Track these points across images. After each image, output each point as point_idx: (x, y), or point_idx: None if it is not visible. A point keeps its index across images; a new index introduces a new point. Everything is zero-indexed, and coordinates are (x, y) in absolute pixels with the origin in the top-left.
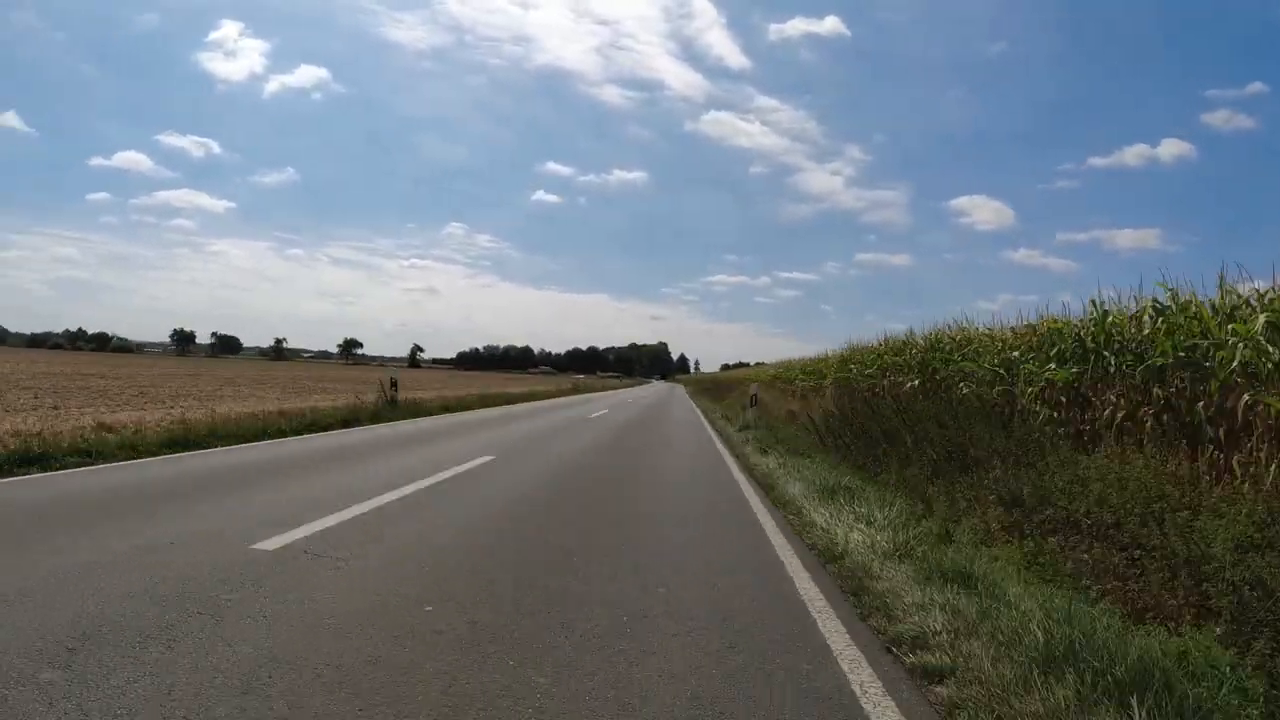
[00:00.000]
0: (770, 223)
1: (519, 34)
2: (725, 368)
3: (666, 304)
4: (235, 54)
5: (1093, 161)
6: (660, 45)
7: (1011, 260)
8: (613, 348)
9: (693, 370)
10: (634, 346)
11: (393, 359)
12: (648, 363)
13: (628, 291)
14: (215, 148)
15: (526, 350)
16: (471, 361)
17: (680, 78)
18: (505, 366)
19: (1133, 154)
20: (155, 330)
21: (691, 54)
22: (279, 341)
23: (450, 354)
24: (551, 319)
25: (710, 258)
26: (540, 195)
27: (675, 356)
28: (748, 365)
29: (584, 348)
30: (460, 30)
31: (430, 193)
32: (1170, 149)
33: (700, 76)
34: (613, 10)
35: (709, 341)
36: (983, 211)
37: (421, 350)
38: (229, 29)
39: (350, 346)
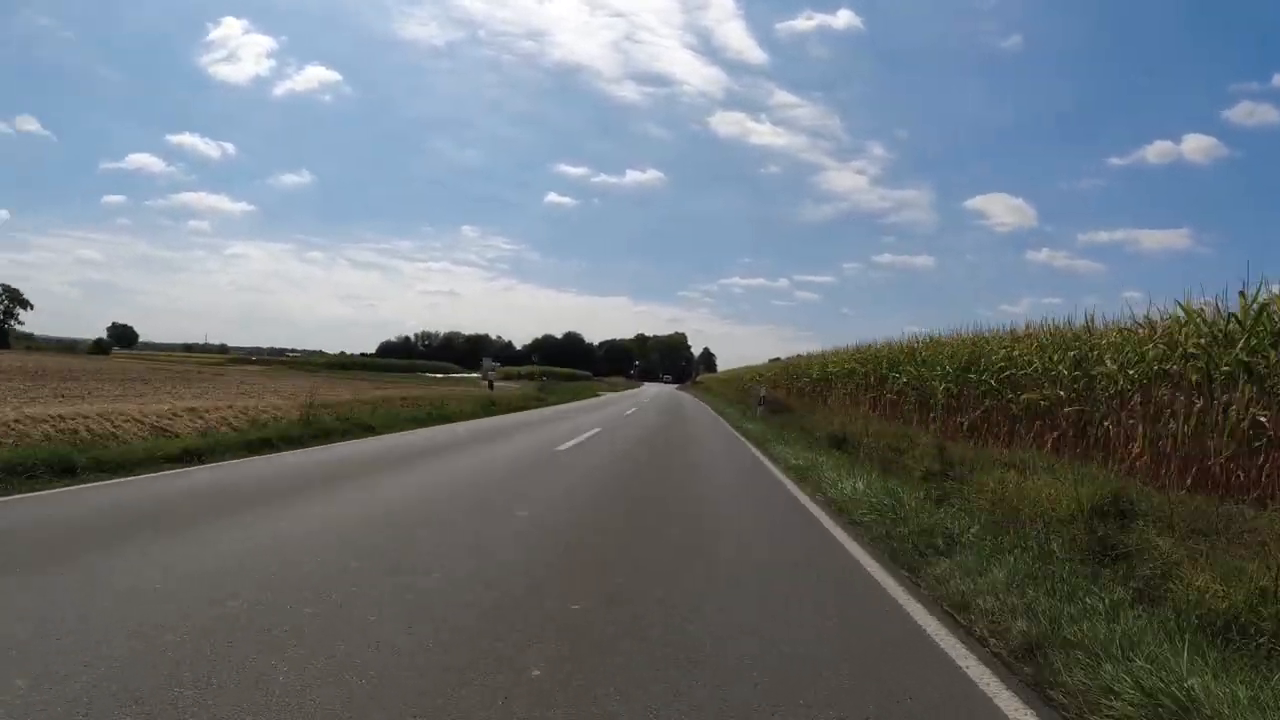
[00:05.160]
0: (789, 223)
1: (533, 28)
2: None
3: (685, 306)
4: (236, 54)
5: (1113, 160)
6: (677, 38)
7: (1034, 261)
8: (613, 340)
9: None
10: (640, 339)
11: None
12: (660, 359)
13: (646, 294)
14: (231, 149)
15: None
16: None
17: (698, 72)
18: (446, 357)
19: (1155, 151)
20: (178, 333)
21: (710, 48)
22: (120, 329)
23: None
24: (573, 321)
25: (728, 259)
26: (553, 197)
27: (699, 353)
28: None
29: (559, 335)
30: (473, 25)
31: (444, 194)
32: (1194, 145)
33: (718, 70)
34: (628, 2)
35: (730, 344)
36: (1004, 211)
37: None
38: (233, 26)
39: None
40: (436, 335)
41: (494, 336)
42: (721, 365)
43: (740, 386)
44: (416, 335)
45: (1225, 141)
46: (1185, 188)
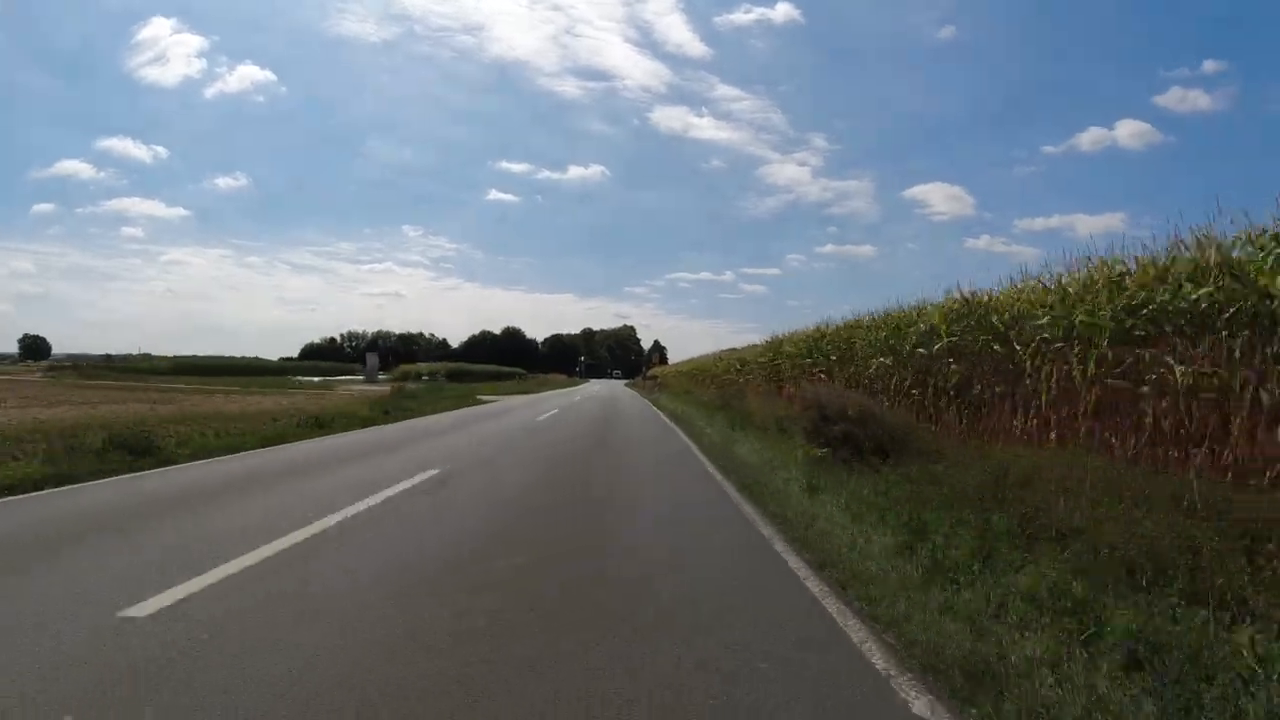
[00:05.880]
0: (735, 217)
1: (470, 23)
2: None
3: (632, 302)
4: (165, 55)
5: (1047, 148)
6: (618, 32)
7: (975, 248)
8: (558, 335)
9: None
10: (587, 333)
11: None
12: (609, 355)
13: (593, 290)
14: (163, 153)
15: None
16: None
17: (639, 66)
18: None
19: (1089, 138)
20: (114, 344)
21: (650, 41)
22: (32, 341)
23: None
24: (521, 319)
25: (674, 254)
26: (495, 195)
27: (649, 347)
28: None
29: (497, 331)
30: (410, 20)
31: (384, 194)
32: (1127, 130)
33: (660, 64)
34: None
35: (679, 339)
36: (943, 200)
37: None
38: (161, 26)
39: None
40: (364, 336)
41: (428, 335)
42: (673, 358)
43: (716, 382)
44: (343, 336)
45: (1158, 127)
46: (1120, 173)
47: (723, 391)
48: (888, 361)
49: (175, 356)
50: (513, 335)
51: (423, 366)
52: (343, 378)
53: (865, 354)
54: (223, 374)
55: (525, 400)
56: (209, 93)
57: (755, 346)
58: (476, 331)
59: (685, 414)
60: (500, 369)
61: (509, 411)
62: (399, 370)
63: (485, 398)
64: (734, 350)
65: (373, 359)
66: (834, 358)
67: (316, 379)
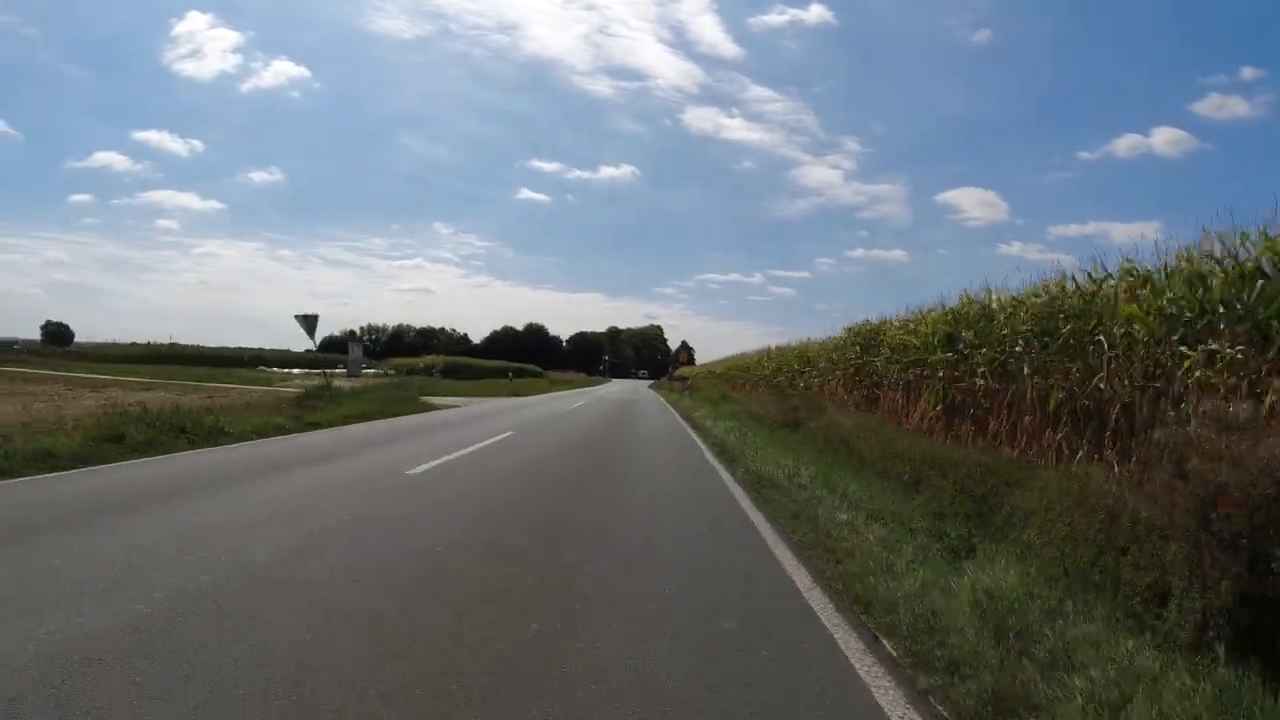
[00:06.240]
0: (765, 218)
1: (505, 21)
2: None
3: (661, 302)
4: (202, 50)
5: (1082, 154)
6: (650, 32)
7: (1007, 255)
8: (582, 332)
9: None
10: (613, 331)
11: None
12: (635, 354)
13: (621, 290)
14: (199, 146)
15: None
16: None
17: (672, 66)
18: (396, 352)
19: (1124, 145)
20: (144, 333)
21: (683, 41)
22: (55, 328)
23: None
24: (549, 318)
25: (703, 255)
26: (526, 193)
27: (676, 346)
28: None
29: (519, 327)
30: (444, 18)
31: (416, 191)
32: (1164, 138)
33: (692, 65)
34: None
35: (706, 340)
36: (975, 205)
37: None
38: (198, 21)
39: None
40: (384, 329)
41: (449, 329)
42: (700, 359)
43: (765, 385)
44: (362, 329)
45: (1195, 134)
46: (1155, 180)
47: (783, 401)
48: None
49: (149, 344)
50: (535, 332)
51: (417, 360)
52: (340, 371)
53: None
54: (185, 363)
55: (494, 408)
56: (244, 88)
57: (832, 338)
58: (510, 330)
59: (738, 442)
60: (508, 364)
61: (427, 433)
62: (389, 363)
63: (443, 400)
64: (787, 346)
65: (355, 350)
66: (1019, 348)
67: (295, 371)
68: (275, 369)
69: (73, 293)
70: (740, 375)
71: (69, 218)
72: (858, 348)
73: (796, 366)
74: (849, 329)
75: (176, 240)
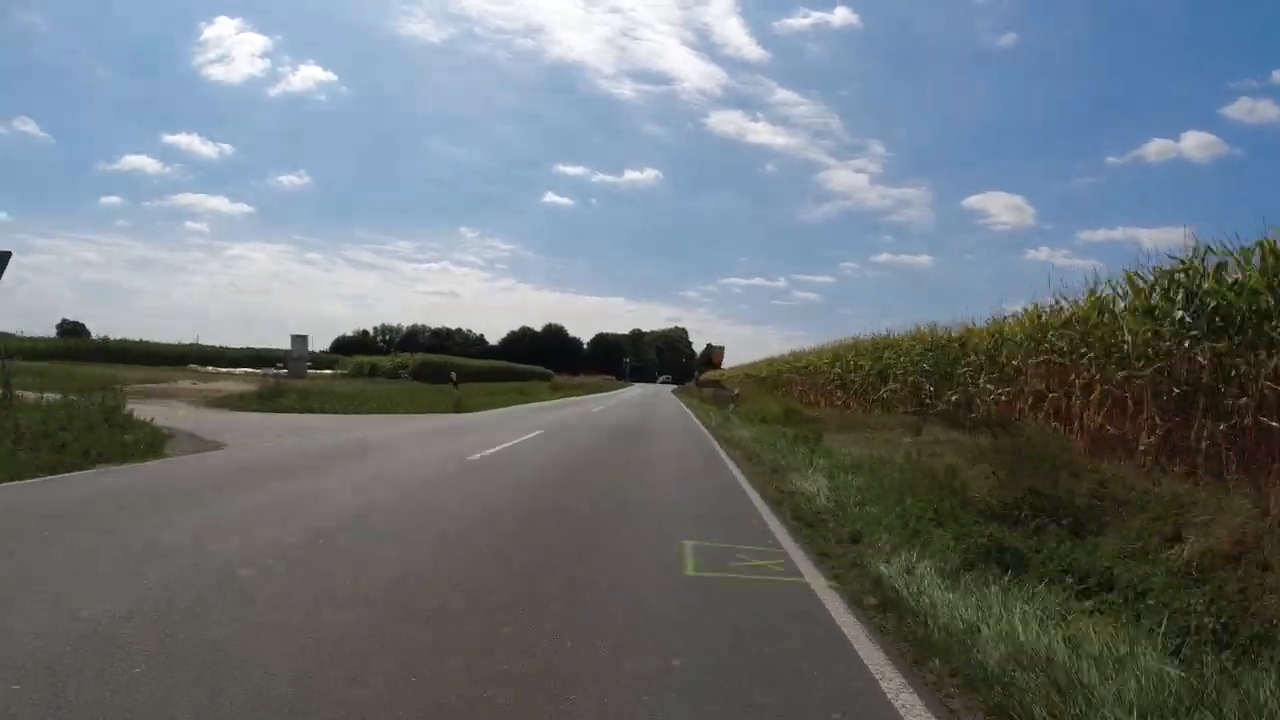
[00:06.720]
0: (789, 222)
1: (530, 24)
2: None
3: (684, 306)
4: (230, 54)
5: (1111, 159)
6: (675, 35)
7: (1035, 260)
8: (603, 334)
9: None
10: (636, 334)
11: None
12: (658, 357)
13: (644, 294)
14: (228, 150)
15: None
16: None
17: (696, 69)
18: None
19: (1154, 149)
20: (174, 334)
21: (708, 44)
22: (71, 326)
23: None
24: (573, 322)
25: (727, 259)
26: (551, 197)
27: (700, 350)
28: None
29: (538, 328)
30: (469, 21)
31: (442, 195)
32: (1193, 142)
33: (717, 68)
34: None
35: (730, 344)
36: (1002, 210)
37: None
38: (226, 25)
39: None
40: (399, 330)
41: (465, 330)
42: (725, 363)
43: (850, 392)
44: (376, 329)
45: (1225, 139)
46: (1186, 186)
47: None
48: None
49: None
50: (555, 333)
51: (384, 360)
52: (327, 371)
53: None
54: (136, 361)
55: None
56: (273, 92)
57: (979, 328)
58: (531, 332)
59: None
60: (512, 365)
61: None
62: (355, 362)
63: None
64: (881, 337)
65: (300, 347)
66: None
67: (208, 368)
68: (198, 365)
69: (102, 293)
70: (792, 378)
71: (100, 220)
72: (1036, 335)
73: (908, 366)
74: (994, 320)
75: (206, 243)
